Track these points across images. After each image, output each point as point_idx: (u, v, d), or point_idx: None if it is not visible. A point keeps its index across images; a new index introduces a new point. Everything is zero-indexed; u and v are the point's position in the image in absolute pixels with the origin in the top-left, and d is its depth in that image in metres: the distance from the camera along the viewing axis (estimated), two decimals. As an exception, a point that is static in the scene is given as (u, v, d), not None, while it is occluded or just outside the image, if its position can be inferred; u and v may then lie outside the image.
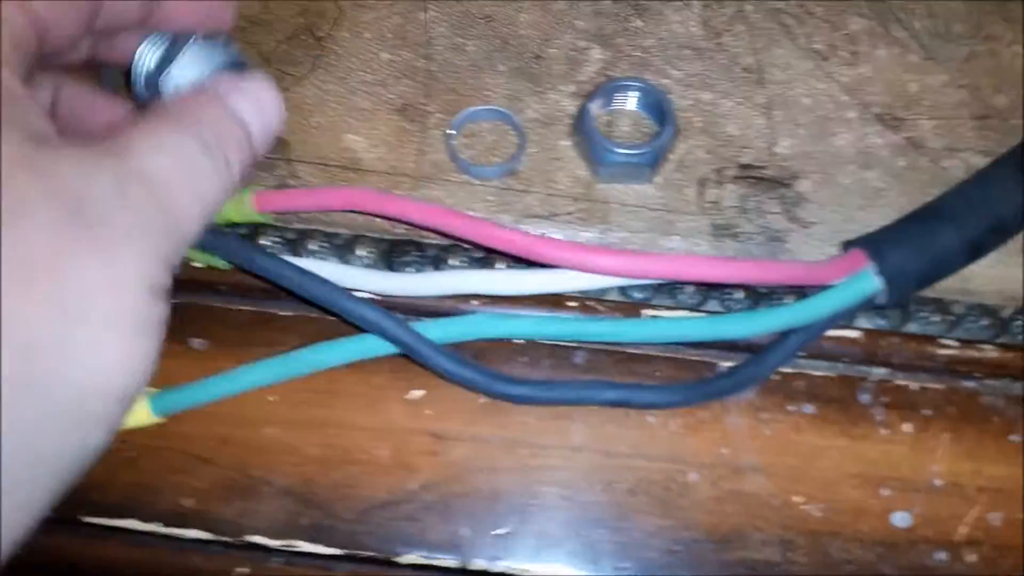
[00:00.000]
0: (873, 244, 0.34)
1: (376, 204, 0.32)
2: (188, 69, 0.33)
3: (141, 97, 0.34)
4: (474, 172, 0.37)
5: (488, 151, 0.38)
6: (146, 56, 0.33)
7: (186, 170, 0.26)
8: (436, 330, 0.32)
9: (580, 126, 0.36)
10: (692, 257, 0.31)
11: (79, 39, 0.29)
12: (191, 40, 0.33)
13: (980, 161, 0.39)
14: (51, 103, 0.32)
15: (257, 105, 0.30)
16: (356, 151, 0.37)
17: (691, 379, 0.34)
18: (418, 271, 0.36)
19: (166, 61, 0.32)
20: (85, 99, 0.33)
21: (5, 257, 0.21)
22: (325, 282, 0.31)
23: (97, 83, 0.36)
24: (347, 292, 0.31)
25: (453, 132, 0.37)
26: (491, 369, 0.32)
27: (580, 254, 0.30)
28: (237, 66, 0.34)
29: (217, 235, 0.32)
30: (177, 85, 0.32)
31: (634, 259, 0.31)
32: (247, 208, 0.33)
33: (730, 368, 0.33)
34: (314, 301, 0.32)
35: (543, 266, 0.33)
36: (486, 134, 0.38)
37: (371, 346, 0.32)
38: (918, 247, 0.34)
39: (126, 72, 0.34)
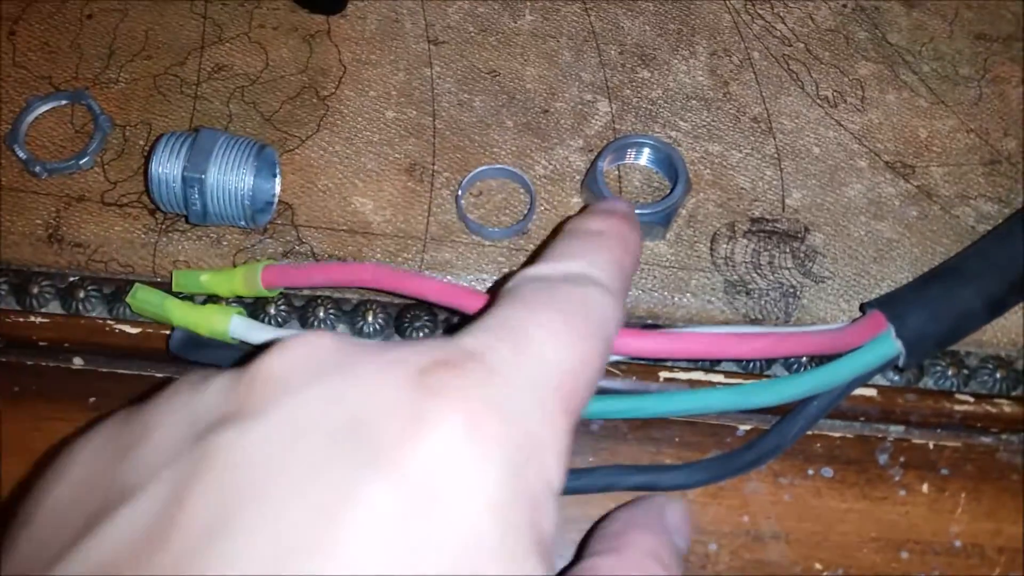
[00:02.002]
0: (892, 305, 0.31)
1: (391, 282, 0.29)
2: (226, 165, 0.30)
3: (174, 206, 0.31)
4: (484, 233, 0.34)
5: (498, 210, 0.34)
6: (170, 161, 0.30)
7: None
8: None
9: (591, 185, 0.33)
10: (723, 336, 0.28)
11: None
12: (219, 135, 0.31)
13: (991, 208, 0.36)
14: None
15: (684, 531, 0.27)
16: (364, 214, 0.34)
17: (715, 453, 0.31)
18: (429, 336, 0.33)
19: (198, 163, 0.30)
20: None
21: None
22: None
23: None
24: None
25: (461, 193, 0.34)
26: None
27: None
28: (261, 150, 0.31)
29: (224, 348, 0.30)
30: (220, 184, 0.31)
31: (664, 340, 0.27)
32: (255, 284, 0.30)
33: (753, 440, 0.30)
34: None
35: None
36: (495, 193, 0.35)
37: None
38: (938, 308, 0.31)
39: (145, 183, 0.31)
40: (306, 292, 0.33)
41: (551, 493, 0.18)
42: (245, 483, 0.16)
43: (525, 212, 0.34)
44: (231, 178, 0.31)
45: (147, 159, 0.31)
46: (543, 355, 0.19)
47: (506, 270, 0.33)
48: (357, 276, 0.30)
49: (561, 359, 0.20)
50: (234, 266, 0.33)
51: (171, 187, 0.31)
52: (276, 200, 0.34)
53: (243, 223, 0.32)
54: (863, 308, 0.32)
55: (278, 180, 0.33)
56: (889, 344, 0.30)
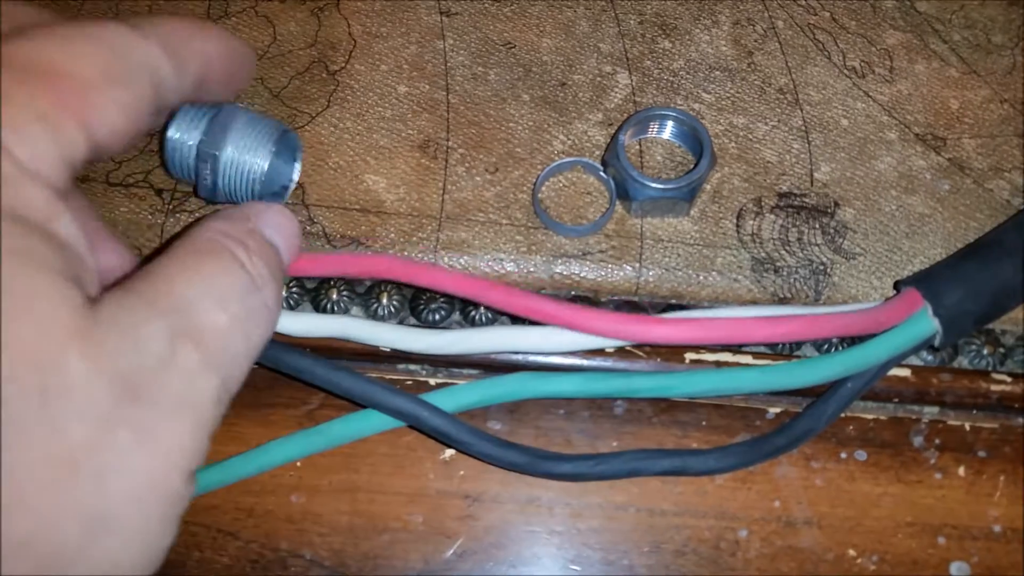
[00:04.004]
0: (927, 283, 0.29)
1: (405, 274, 0.28)
2: (244, 145, 0.29)
3: (185, 175, 0.29)
4: (561, 230, 0.32)
5: (567, 204, 0.33)
6: (188, 131, 0.29)
7: (240, 316, 0.21)
8: (477, 392, 0.27)
9: (612, 159, 0.32)
10: (750, 321, 0.27)
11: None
12: (241, 114, 0.29)
13: (1027, 181, 0.34)
14: None
15: (283, 229, 0.25)
16: (377, 192, 0.33)
17: (744, 437, 0.30)
18: (446, 317, 0.32)
19: (216, 138, 0.28)
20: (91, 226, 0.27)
21: (41, 456, 0.17)
22: (356, 376, 0.27)
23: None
24: (379, 384, 0.27)
25: (538, 185, 0.32)
26: (536, 449, 0.27)
27: (632, 325, 0.26)
28: (284, 134, 0.30)
29: None
30: (234, 163, 0.29)
31: (687, 327, 0.26)
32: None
33: (784, 423, 0.29)
34: (347, 397, 0.27)
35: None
36: (564, 186, 0.33)
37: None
38: (975, 285, 0.29)
39: (160, 148, 0.29)
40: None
41: (20, 173, 0.19)
42: None
43: (606, 208, 0.32)
44: (246, 159, 0.29)
45: (165, 125, 0.29)
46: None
47: (524, 250, 0.32)
48: (372, 268, 0.29)
49: None
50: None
51: (184, 157, 0.30)
52: (292, 186, 0.32)
53: None
54: (897, 286, 0.31)
55: (298, 166, 0.32)
56: (925, 323, 0.29)
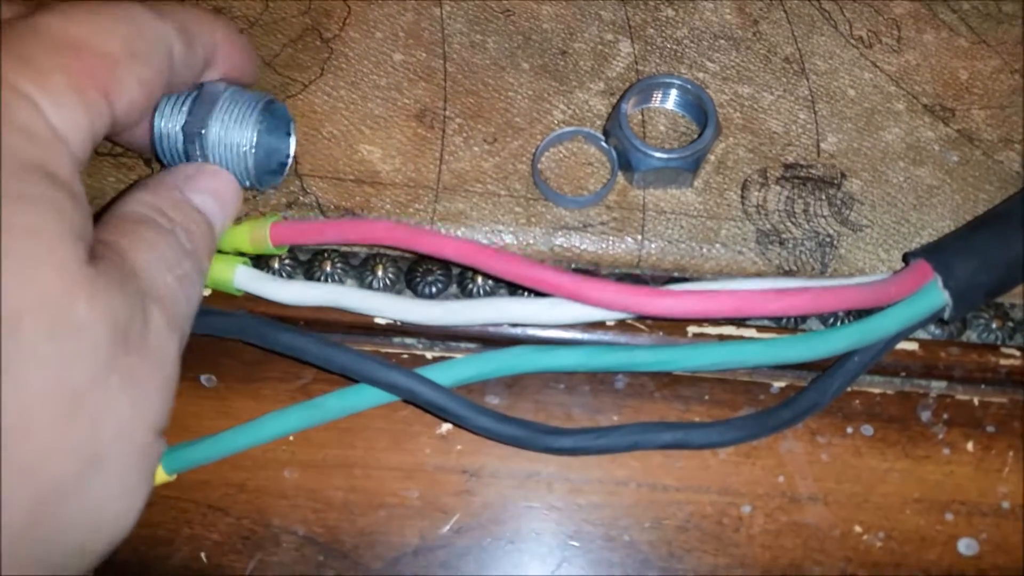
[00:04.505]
0: (938, 254, 0.28)
1: (405, 239, 0.27)
2: (230, 120, 0.28)
3: (174, 159, 0.28)
4: (562, 201, 0.31)
5: (567, 175, 0.32)
6: (173, 116, 0.28)
7: (180, 280, 0.23)
8: (474, 366, 0.27)
9: (614, 129, 0.31)
10: (757, 293, 0.26)
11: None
12: (224, 90, 0.28)
13: (1037, 153, 0.33)
14: None
15: (215, 192, 0.26)
16: (372, 162, 0.32)
17: (748, 412, 0.29)
18: (442, 290, 0.31)
19: (201, 117, 0.27)
20: None
21: (49, 389, 0.19)
22: (351, 352, 0.27)
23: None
24: (375, 360, 0.27)
25: (539, 156, 0.31)
26: (535, 423, 0.27)
27: (636, 297, 0.25)
28: (269, 104, 0.29)
29: (230, 317, 0.28)
30: (222, 139, 0.28)
31: (694, 299, 0.25)
32: (263, 241, 0.28)
33: (790, 397, 0.28)
34: (343, 373, 0.27)
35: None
36: (565, 157, 0.32)
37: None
38: (987, 257, 0.28)
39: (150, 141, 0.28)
40: (312, 246, 0.31)
41: (52, 135, 0.20)
42: None
43: (607, 179, 0.31)
44: (234, 132, 0.28)
45: (152, 115, 0.28)
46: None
47: (523, 222, 0.31)
48: (371, 234, 0.28)
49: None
50: (239, 220, 0.30)
51: (173, 143, 0.29)
52: (290, 162, 0.31)
53: (248, 183, 0.29)
54: (906, 258, 0.30)
55: (293, 140, 0.31)
56: (936, 295, 0.28)
